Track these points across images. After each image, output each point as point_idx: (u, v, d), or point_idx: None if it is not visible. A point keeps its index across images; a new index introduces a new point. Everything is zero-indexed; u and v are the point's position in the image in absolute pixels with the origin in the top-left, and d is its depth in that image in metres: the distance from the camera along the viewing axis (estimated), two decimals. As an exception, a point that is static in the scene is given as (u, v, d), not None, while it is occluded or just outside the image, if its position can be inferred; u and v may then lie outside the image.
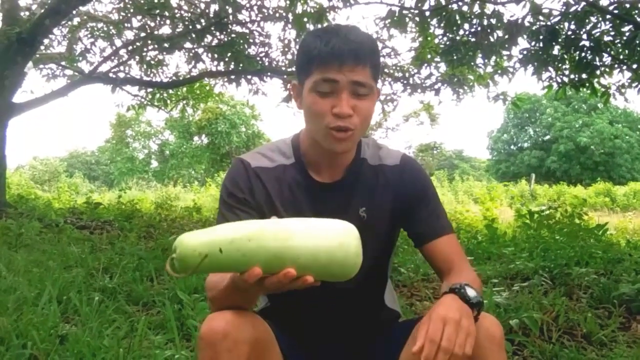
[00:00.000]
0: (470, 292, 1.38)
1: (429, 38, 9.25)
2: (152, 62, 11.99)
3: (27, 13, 10.72)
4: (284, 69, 11.43)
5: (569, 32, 7.01)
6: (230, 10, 10.41)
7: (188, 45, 11.49)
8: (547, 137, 43.28)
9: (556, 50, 7.21)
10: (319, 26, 9.10)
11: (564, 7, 6.79)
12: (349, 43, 1.49)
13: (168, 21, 11.15)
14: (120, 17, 11.29)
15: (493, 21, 7.45)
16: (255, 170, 1.64)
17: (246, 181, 1.63)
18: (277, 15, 10.65)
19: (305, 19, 8.85)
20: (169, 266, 1.26)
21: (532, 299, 3.61)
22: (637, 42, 6.21)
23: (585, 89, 7.62)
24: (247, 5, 10.60)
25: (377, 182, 1.68)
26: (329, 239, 1.29)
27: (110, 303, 3.39)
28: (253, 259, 1.24)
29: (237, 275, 1.30)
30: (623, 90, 7.66)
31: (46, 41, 11.34)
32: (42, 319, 2.82)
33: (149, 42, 11.22)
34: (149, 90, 13.04)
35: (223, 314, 1.39)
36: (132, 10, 10.97)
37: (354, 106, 1.50)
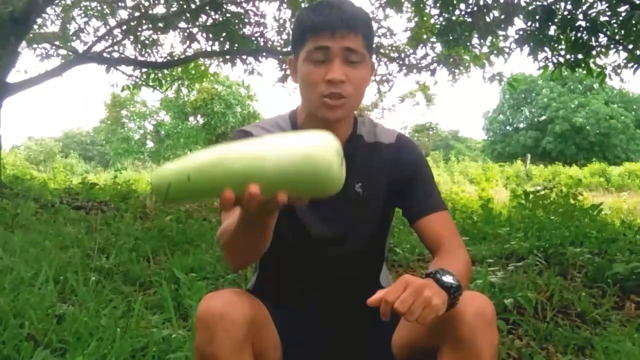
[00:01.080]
0: (445, 278, 1.33)
1: (424, 18, 9.23)
2: (147, 41, 11.92)
3: (20, -8, 10.63)
4: (279, 49, 11.38)
5: (565, 12, 6.98)
6: (225, -10, 10.35)
7: (183, 25, 11.42)
8: (543, 117, 43.30)
9: (552, 31, 7.18)
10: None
11: (561, -13, 6.77)
12: (341, 12, 1.52)
13: (162, 0, 11.08)
14: (114, -4, 11.21)
15: (489, 1, 7.42)
16: None
17: None
18: (272, -6, 10.59)
19: (301, -1, 8.83)
20: (149, 201, 1.27)
21: (526, 279, 3.63)
22: (633, 22, 6.18)
23: (581, 70, 7.60)
24: (242, -16, 10.54)
25: (373, 159, 1.69)
26: (293, 151, 1.20)
27: (107, 283, 3.39)
28: (221, 185, 1.19)
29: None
30: (619, 71, 7.66)
31: (40, 20, 11.25)
32: (39, 299, 2.82)
33: (144, 21, 11.14)
34: (144, 70, 12.97)
35: (220, 294, 1.40)
36: (126, -11, 10.90)
37: (347, 74, 1.52)
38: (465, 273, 1.54)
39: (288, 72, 1.73)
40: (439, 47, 10.12)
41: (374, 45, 1.68)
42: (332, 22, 1.51)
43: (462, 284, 1.38)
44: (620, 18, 6.66)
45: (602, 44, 7.22)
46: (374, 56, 1.69)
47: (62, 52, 12.06)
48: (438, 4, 7.69)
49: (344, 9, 1.53)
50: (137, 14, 11.18)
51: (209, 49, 11.90)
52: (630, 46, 6.95)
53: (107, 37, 11.62)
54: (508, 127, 46.56)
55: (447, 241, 1.61)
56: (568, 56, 7.47)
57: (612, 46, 7.20)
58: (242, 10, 11.10)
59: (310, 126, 1.65)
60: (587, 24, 6.87)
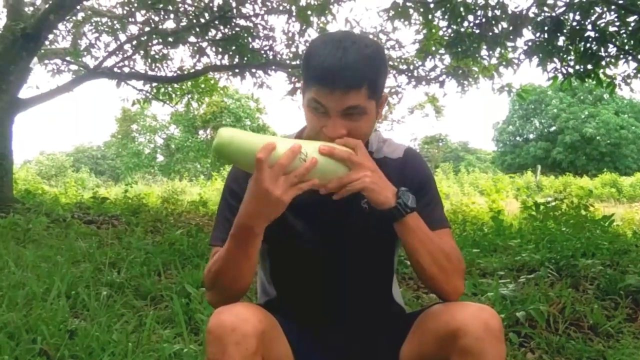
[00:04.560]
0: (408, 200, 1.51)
1: (433, 30, 9.23)
2: (157, 56, 11.97)
3: (31, 8, 10.73)
4: (288, 62, 11.41)
5: (574, 23, 6.99)
6: (234, 4, 10.41)
7: (192, 39, 11.47)
8: (553, 128, 43.20)
9: (561, 41, 7.19)
10: (323, 19, 9.13)
11: (569, -2, 6.79)
12: (345, 68, 1.44)
13: (172, 15, 11.15)
14: (125, 12, 11.29)
15: (497, 12, 7.43)
16: None
17: (248, 179, 1.62)
18: (281, 8, 10.62)
19: (309, 12, 8.87)
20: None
21: (538, 291, 3.61)
22: (643, 32, 6.19)
23: (590, 80, 7.59)
24: (251, -2, 10.60)
25: None
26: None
27: (118, 298, 3.41)
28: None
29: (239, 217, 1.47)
30: (629, 81, 7.64)
31: (51, 36, 11.32)
32: (51, 314, 2.84)
33: (154, 36, 11.20)
34: (154, 84, 13.03)
35: (230, 308, 1.41)
36: (136, 5, 10.97)
37: (347, 127, 1.50)
38: (441, 250, 1.56)
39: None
40: (447, 59, 10.11)
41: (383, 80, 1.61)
42: (332, 78, 1.44)
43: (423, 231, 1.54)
44: (630, 28, 6.67)
45: (611, 54, 7.22)
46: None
47: (73, 67, 12.13)
48: (446, 16, 7.71)
49: (349, 59, 1.45)
50: (147, 29, 11.24)
51: (218, 62, 11.94)
52: (640, 56, 6.95)
53: (117, 52, 11.69)
54: (518, 138, 46.45)
55: None
56: (577, 67, 7.47)
57: (621, 56, 7.20)
58: (251, 24, 11.14)
59: None
60: (596, 35, 6.87)
